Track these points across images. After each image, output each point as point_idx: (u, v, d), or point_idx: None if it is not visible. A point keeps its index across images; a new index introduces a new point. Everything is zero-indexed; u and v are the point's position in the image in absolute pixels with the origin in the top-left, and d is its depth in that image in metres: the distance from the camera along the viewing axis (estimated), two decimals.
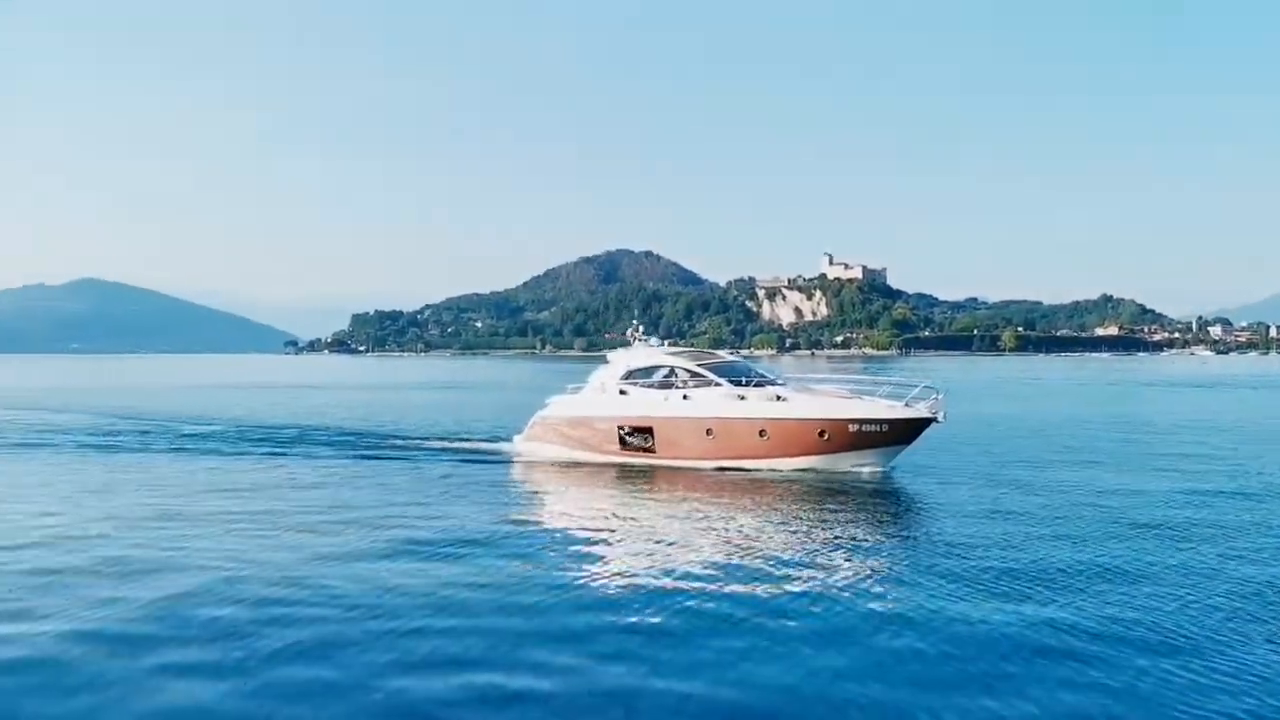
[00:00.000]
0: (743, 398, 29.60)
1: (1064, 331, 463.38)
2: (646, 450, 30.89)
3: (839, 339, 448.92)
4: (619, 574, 16.18)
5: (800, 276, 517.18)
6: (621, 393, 31.90)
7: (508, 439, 36.17)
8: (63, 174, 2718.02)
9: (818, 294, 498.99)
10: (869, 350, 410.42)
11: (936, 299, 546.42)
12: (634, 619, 13.38)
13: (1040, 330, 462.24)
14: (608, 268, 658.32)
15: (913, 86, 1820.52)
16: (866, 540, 18.97)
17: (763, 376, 31.40)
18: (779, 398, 29.49)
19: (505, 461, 32.58)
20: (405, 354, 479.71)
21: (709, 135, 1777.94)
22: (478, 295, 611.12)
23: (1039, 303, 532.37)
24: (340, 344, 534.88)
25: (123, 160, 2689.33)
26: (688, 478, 27.88)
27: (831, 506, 23.02)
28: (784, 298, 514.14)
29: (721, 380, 30.29)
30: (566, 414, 33.26)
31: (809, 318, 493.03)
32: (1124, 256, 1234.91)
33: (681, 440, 30.15)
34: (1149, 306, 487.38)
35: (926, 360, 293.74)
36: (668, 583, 15.35)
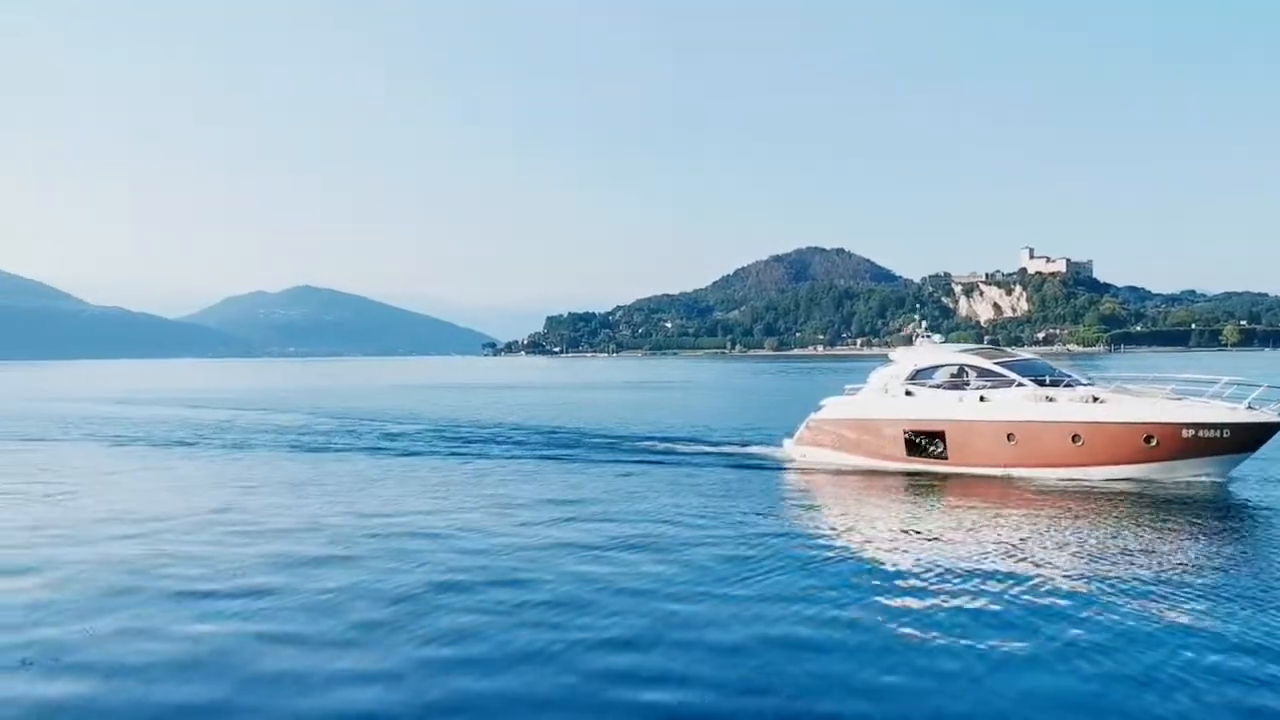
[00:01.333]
0: (1051, 399, 26.92)
1: None
2: (937, 456, 28.61)
3: (1040, 336, 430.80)
4: (919, 591, 14.81)
5: (999, 271, 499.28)
6: (908, 394, 29.70)
7: (776, 443, 34.60)
8: (280, 185, 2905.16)
9: (1018, 289, 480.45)
10: (1074, 347, 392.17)
11: (1149, 292, 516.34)
12: (941, 641, 12.26)
13: (1266, 324, 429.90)
14: (798, 266, 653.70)
15: (1114, 71, 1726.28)
16: (1216, 565, 16.30)
17: (1068, 376, 28.55)
18: (1095, 399, 26.58)
19: (778, 467, 30.82)
20: (598, 355, 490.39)
21: (900, 129, 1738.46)
22: (668, 296, 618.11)
23: (1264, 294, 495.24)
24: (535, 345, 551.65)
25: (331, 170, 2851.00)
26: (985, 486, 25.74)
27: (1160, 522, 20.48)
28: (981, 293, 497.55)
29: (1024, 380, 27.74)
30: (845, 416, 31.23)
31: (1008, 314, 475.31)
32: None
33: (978, 445, 27.77)
34: None
35: (1139, 357, 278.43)
36: (978, 604, 13.95)
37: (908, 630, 12.76)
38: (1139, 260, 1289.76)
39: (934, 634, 12.54)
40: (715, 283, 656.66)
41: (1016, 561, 16.89)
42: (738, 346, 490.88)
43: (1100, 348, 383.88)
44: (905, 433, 29.25)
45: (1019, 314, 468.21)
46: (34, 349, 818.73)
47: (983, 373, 28.74)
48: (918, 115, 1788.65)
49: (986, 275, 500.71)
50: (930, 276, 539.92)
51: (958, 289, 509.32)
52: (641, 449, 35.86)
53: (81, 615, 13.86)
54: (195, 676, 11.31)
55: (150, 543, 19.15)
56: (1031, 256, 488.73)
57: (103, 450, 38.98)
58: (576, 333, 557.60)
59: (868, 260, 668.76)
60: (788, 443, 33.15)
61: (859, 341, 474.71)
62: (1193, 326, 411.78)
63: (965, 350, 30.93)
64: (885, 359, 32.58)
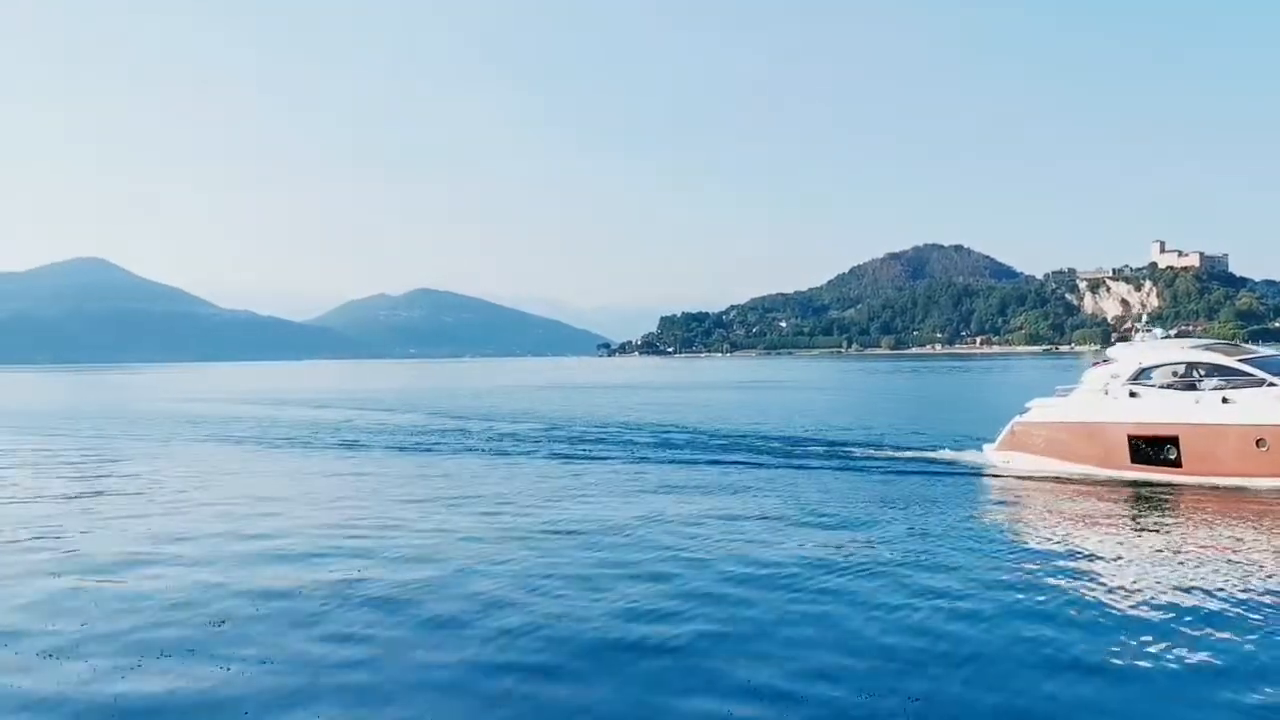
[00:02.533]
0: None
1: None
2: (1168, 464, 25.85)
3: (1173, 333, 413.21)
4: (1166, 628, 13.16)
5: (1127, 266, 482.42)
6: (1131, 394, 27.05)
7: (969, 447, 32.85)
8: (400, 189, 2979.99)
9: (1147, 284, 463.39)
10: None
11: None
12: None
13: None
14: (915, 263, 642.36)
15: (1244, 57, 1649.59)
16: None
17: None
18: None
19: (975, 474, 29.05)
20: (712, 355, 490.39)
21: (1021, 121, 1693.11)
22: (782, 295, 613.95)
23: None
24: (649, 346, 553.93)
25: (448, 174, 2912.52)
26: (1228, 499, 23.03)
27: None
28: (1108, 289, 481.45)
29: (1276, 379, 24.90)
30: (1058, 419, 28.79)
31: (1137, 310, 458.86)
32: None
33: (1219, 453, 24.84)
34: None
35: None
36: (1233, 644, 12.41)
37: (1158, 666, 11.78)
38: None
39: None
40: (830, 281, 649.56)
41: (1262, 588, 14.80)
42: (854, 346, 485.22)
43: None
44: (1130, 437, 26.72)
45: (1149, 310, 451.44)
46: (169, 352, 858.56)
47: (1222, 370, 26.02)
48: (1039, 105, 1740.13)
49: (1114, 271, 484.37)
50: (1053, 273, 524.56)
51: (1083, 285, 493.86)
52: (825, 454, 34.26)
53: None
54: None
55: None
56: (1162, 250, 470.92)
57: (305, 454, 41.39)
58: (690, 333, 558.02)
59: (987, 257, 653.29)
60: (988, 448, 31.03)
61: (978, 340, 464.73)
62: None
63: (1198, 346, 28.13)
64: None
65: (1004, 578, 16.11)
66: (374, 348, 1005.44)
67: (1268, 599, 14.25)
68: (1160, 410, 26.26)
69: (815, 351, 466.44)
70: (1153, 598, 14.56)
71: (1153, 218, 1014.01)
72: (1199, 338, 37.74)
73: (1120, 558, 17.64)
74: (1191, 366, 26.90)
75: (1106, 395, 27.83)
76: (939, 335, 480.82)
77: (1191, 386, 26.23)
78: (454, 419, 56.73)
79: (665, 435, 43.67)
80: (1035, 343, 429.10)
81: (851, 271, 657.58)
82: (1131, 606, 14.18)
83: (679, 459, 34.45)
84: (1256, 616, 13.45)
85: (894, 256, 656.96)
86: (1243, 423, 24.50)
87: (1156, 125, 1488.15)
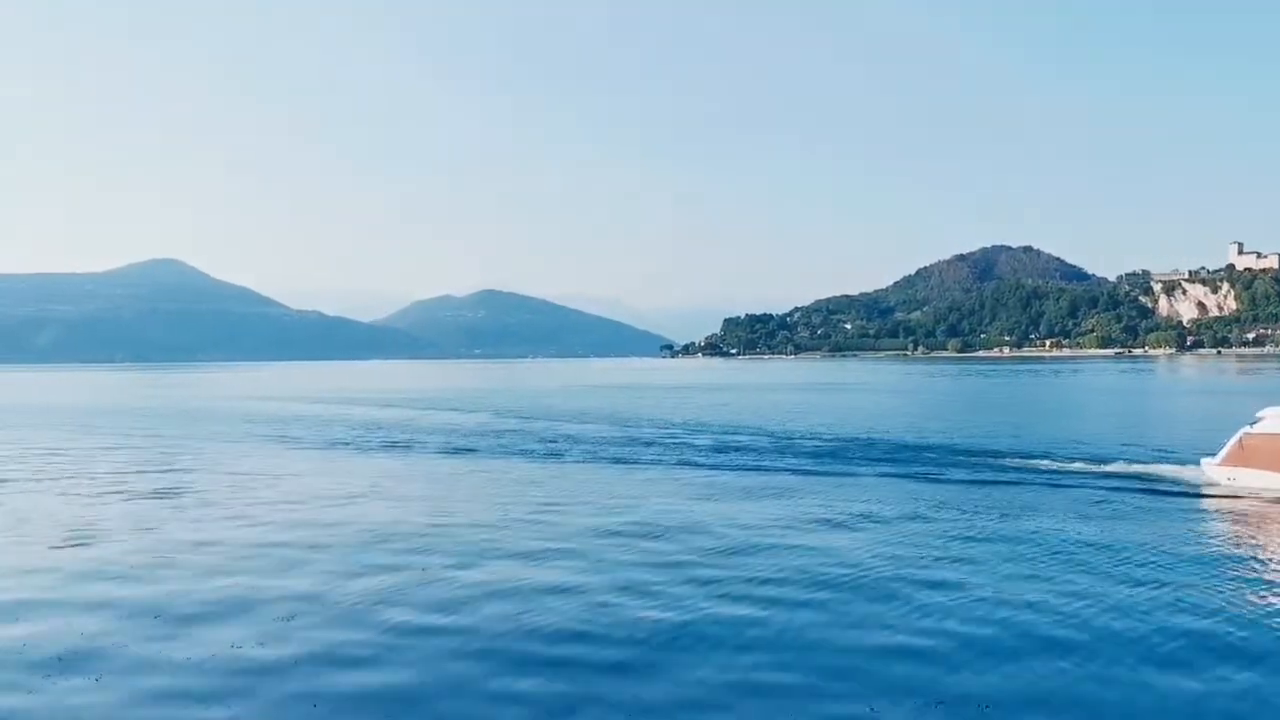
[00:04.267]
0: None
1: None
2: None
3: (1250, 336, 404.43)
4: None
5: (1203, 268, 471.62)
6: None
7: (1190, 461, 29.60)
8: (466, 190, 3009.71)
9: (1224, 286, 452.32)
10: None
11: None
12: None
13: None
14: (983, 265, 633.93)
15: None
16: None
17: None
18: None
19: (1193, 494, 26.02)
20: (776, 356, 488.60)
21: (1090, 120, 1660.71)
22: (847, 297, 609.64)
23: None
24: (712, 347, 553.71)
25: (512, 175, 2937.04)
26: None
27: None
28: (1184, 292, 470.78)
29: None
30: None
31: (1214, 313, 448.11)
32: None
33: None
34: None
35: None
36: None
37: None
38: None
39: None
40: (896, 283, 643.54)
41: None
42: (920, 348, 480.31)
43: None
44: None
45: (1226, 313, 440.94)
46: (242, 351, 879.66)
47: None
48: (1112, 105, 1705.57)
49: (1189, 273, 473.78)
50: (1127, 275, 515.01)
51: (1157, 287, 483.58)
52: (1008, 466, 31.98)
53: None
54: None
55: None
56: (1240, 252, 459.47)
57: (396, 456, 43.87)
58: (754, 334, 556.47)
59: (1057, 258, 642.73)
60: (1208, 462, 27.91)
61: (1048, 343, 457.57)
62: None
63: None
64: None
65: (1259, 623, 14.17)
66: (440, 348, 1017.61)
67: None
68: None
69: (880, 354, 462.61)
70: None
71: (1231, 219, 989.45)
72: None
73: None
74: None
75: None
76: (1007, 338, 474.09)
77: None
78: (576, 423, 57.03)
79: (831, 443, 41.49)
80: (1107, 346, 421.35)
81: (918, 273, 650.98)
82: None
83: (881, 471, 31.95)
84: None
85: (961, 258, 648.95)
86: None
87: (1233, 123, 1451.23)
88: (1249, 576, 16.74)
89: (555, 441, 44.16)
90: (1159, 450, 33.46)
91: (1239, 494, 25.03)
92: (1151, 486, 26.74)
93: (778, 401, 77.05)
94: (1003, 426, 49.62)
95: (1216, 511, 23.33)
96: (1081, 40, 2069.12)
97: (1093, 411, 62.75)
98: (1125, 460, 32.01)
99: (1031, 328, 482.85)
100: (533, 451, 39.96)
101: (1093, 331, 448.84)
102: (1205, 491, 25.81)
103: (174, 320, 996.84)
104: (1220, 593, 15.78)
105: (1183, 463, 29.54)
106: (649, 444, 42.05)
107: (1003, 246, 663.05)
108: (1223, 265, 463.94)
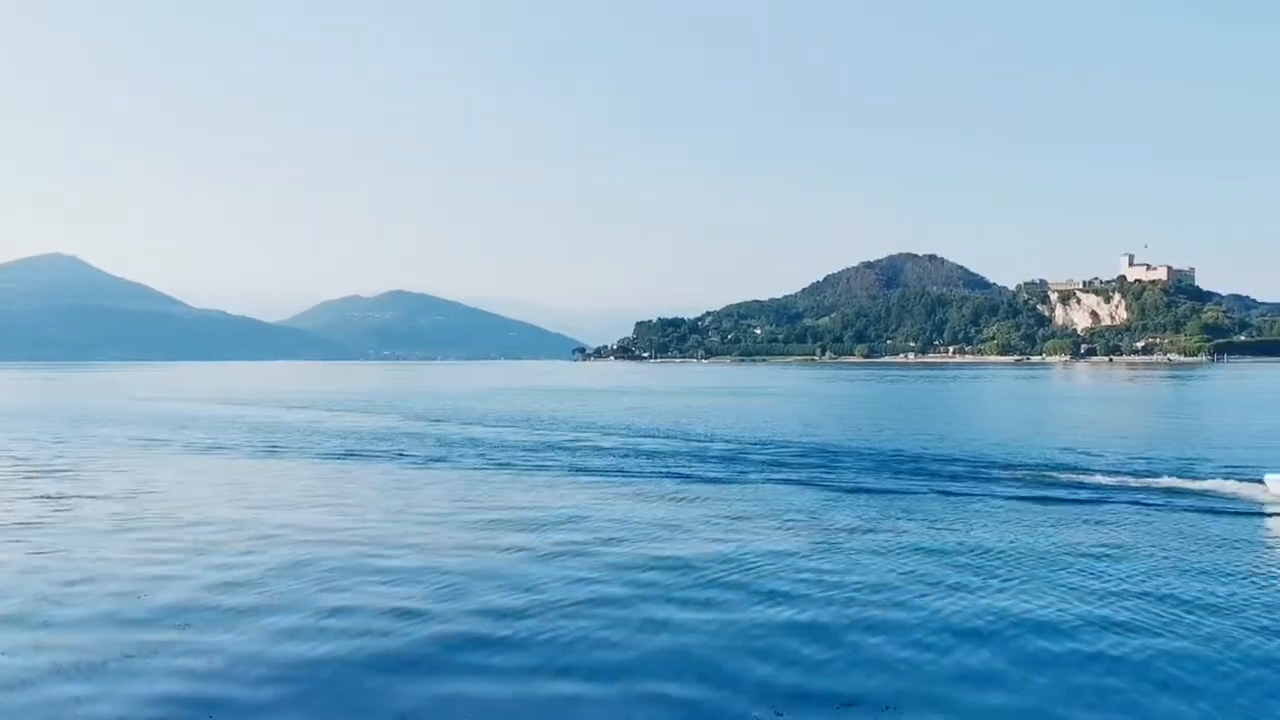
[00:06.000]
0: None
1: None
2: None
3: (1140, 344, 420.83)
4: None
5: (1097, 279, 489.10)
6: None
7: (1254, 477, 27.81)
8: (374, 189, 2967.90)
9: (1116, 297, 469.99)
10: (1174, 357, 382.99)
11: (1254, 300, 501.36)
12: None
13: None
14: (889, 272, 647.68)
15: (1222, 74, 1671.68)
16: None
17: None
18: None
19: (1258, 513, 24.08)
20: (687, 360, 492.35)
21: (993, 133, 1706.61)
22: (758, 302, 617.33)
23: None
24: (624, 351, 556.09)
25: (424, 174, 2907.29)
26: None
27: None
28: (1079, 301, 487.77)
29: None
30: None
31: (1106, 322, 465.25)
32: None
33: None
34: None
35: (1243, 367, 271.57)
36: None
37: None
38: (1244, 267, 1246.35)
39: None
40: (805, 289, 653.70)
41: None
42: (827, 353, 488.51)
43: (1202, 358, 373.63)
44: None
45: (1118, 322, 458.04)
46: (140, 351, 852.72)
47: None
48: (1012, 120, 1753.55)
49: (1084, 283, 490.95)
50: (1026, 284, 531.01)
51: (1054, 296, 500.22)
52: (1044, 480, 29.94)
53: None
54: None
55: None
56: (1131, 264, 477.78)
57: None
58: (666, 338, 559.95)
59: (961, 267, 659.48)
60: (1272, 479, 25.94)
61: (951, 349, 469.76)
62: None
63: None
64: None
65: None
66: (347, 349, 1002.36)
67: None
68: None
69: (789, 359, 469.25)
70: None
71: (1123, 232, 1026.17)
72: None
73: None
74: None
75: None
76: (912, 344, 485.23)
77: None
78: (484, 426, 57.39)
79: (836, 454, 39.14)
80: (1007, 353, 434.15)
81: (826, 280, 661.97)
82: None
83: (902, 487, 29.77)
84: None
85: (868, 265, 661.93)
86: None
87: (1128, 140, 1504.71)
88: None
89: (448, 445, 43.74)
90: (1215, 463, 33.16)
91: None
92: (1222, 506, 24.87)
93: (682, 405, 78.45)
94: (1053, 437, 48.38)
95: (1272, 530, 21.86)
96: (989, 53, 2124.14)
97: (1128, 422, 64.00)
98: (1202, 477, 30.06)
99: (936, 334, 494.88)
100: (417, 456, 39.32)
101: (993, 339, 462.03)
102: (1271, 509, 24.05)
103: (68, 318, 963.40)
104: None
105: (1254, 478, 27.83)
106: (547, 449, 42.20)
107: (909, 255, 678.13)
108: (1115, 276, 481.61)
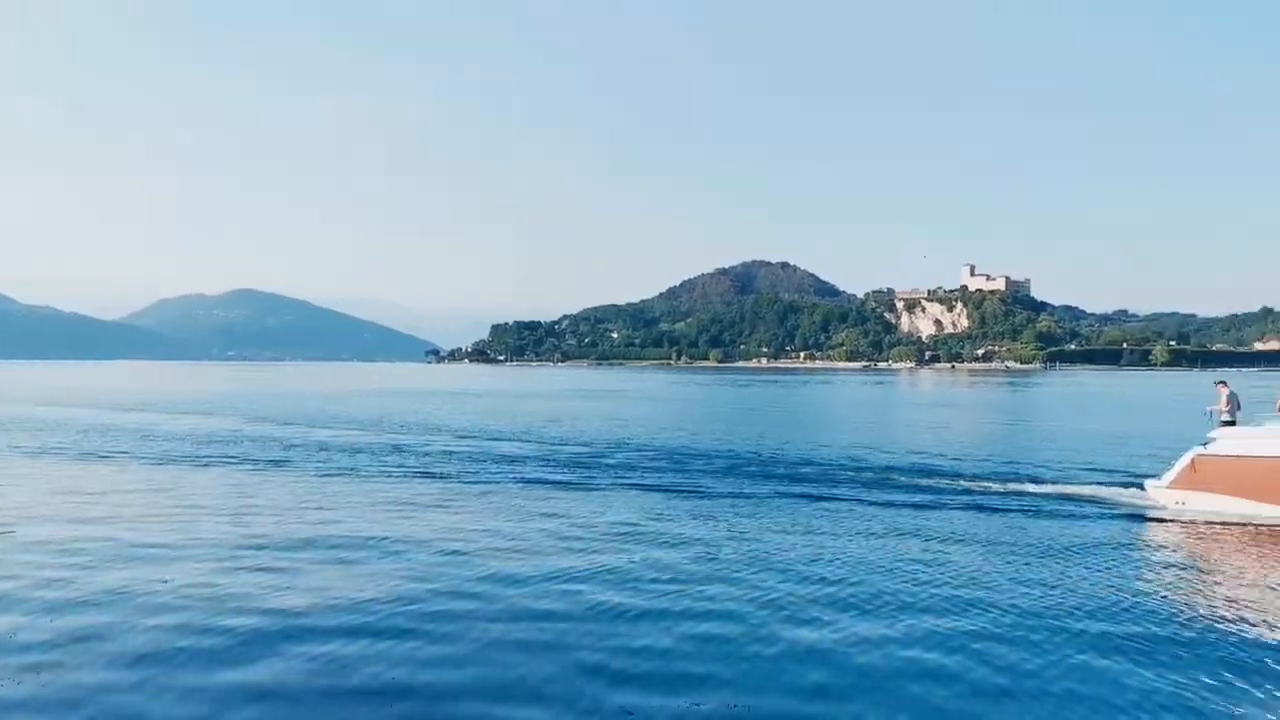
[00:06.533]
0: None
1: (1220, 345, 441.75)
2: None
3: (980, 352, 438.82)
4: None
5: (940, 288, 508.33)
6: None
7: (1134, 483, 27.87)
8: (223, 183, 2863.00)
9: (958, 306, 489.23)
10: (1011, 364, 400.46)
11: (1083, 311, 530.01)
12: None
13: (1194, 344, 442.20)
14: (744, 279, 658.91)
15: (1057, 99, 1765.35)
16: None
17: None
18: None
19: (1137, 517, 24.07)
20: (544, 364, 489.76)
21: (847, 146, 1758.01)
22: (614, 306, 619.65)
23: (1193, 315, 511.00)
24: (480, 353, 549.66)
25: (272, 170, 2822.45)
26: None
27: None
28: (923, 309, 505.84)
29: None
30: (1257, 453, 23.58)
31: (949, 330, 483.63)
32: None
33: None
34: None
35: (1073, 374, 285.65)
36: None
37: None
38: (1075, 280, 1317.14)
39: None
40: (662, 294, 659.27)
41: None
42: (683, 358, 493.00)
43: (1036, 365, 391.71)
44: None
45: (959, 330, 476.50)
46: None
47: None
48: (861, 132, 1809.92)
49: (929, 292, 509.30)
50: (873, 292, 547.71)
51: (900, 305, 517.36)
52: (923, 486, 29.24)
53: None
54: None
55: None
56: (972, 274, 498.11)
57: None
58: (522, 341, 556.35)
59: (812, 275, 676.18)
60: (1153, 485, 26.14)
61: (802, 355, 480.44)
62: (1124, 346, 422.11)
63: None
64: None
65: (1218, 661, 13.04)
66: (190, 349, 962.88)
67: None
68: None
69: (645, 363, 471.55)
70: None
71: (966, 241, 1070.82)
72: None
73: None
74: None
75: None
76: (765, 350, 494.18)
77: None
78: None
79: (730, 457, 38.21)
80: (855, 359, 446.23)
81: (682, 285, 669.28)
82: None
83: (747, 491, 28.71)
84: None
85: (723, 272, 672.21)
86: None
87: (971, 155, 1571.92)
88: (1205, 613, 15.50)
89: (283, 449, 41.35)
90: (1086, 468, 33.26)
91: (1189, 519, 23.55)
92: (1100, 512, 24.67)
93: (537, 408, 76.69)
94: (945, 442, 47.10)
95: (1166, 539, 21.85)
96: (837, 63, 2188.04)
97: (1007, 429, 64.76)
98: (1081, 483, 29.79)
99: (788, 340, 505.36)
100: (247, 460, 36.98)
101: (843, 345, 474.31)
102: (1154, 516, 24.12)
103: None
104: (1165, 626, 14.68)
105: (1135, 485, 27.86)
106: (394, 452, 40.18)
107: (762, 262, 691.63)
108: (957, 286, 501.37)
